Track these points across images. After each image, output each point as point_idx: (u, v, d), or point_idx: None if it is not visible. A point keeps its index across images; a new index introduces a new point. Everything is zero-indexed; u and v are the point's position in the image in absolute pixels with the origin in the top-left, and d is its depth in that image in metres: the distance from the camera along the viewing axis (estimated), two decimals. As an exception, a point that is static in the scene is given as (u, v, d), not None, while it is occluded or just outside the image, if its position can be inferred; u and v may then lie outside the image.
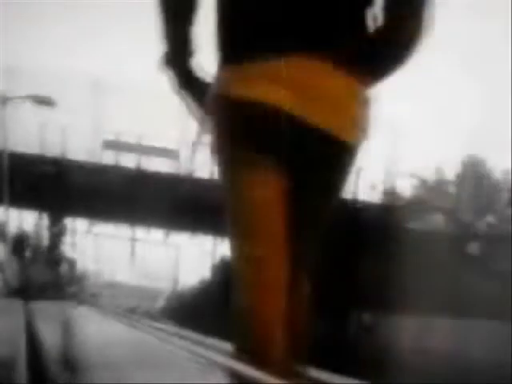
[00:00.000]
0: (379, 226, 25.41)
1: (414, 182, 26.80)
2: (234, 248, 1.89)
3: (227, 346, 3.49)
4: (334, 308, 25.33)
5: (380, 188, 27.68)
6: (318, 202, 1.92)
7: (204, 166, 32.55)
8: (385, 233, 24.55)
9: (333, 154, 1.82)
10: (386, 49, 1.85)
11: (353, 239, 26.82)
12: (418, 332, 21.81)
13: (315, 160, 1.83)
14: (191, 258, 35.74)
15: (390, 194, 26.71)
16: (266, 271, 1.82)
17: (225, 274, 39.49)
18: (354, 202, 27.54)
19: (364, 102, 1.86)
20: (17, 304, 4.84)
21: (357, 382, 2.84)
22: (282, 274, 1.83)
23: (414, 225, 25.11)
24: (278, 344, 1.80)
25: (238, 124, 1.81)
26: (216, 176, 2.05)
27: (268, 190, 1.83)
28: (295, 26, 1.76)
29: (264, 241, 1.83)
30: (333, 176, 1.89)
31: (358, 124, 1.84)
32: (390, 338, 22.10)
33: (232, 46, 1.84)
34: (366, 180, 28.67)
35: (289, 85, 1.73)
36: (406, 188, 26.95)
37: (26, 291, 17.27)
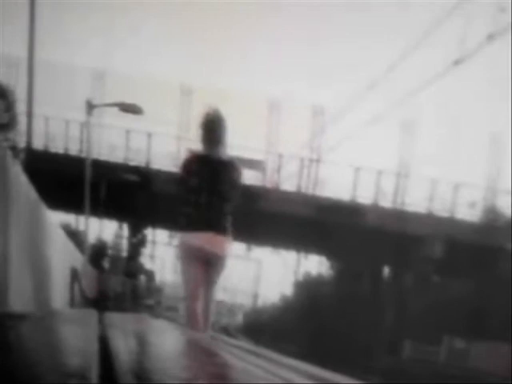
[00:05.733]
0: (476, 245, 24.78)
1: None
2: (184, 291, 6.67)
3: (304, 366, 3.49)
4: (427, 334, 24.87)
5: (480, 205, 27.04)
6: (216, 273, 6.62)
7: (290, 178, 32.43)
8: (482, 253, 23.93)
9: (218, 258, 6.50)
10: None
11: (446, 260, 26.28)
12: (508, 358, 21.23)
13: (213, 261, 6.48)
14: (273, 273, 35.71)
15: (491, 212, 26.00)
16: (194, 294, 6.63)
17: (307, 291, 39.17)
18: (451, 220, 26.98)
19: (229, 243, 6.51)
20: (92, 315, 4.98)
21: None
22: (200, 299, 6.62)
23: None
24: (200, 320, 6.53)
25: (189, 250, 6.45)
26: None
27: (199, 272, 6.51)
28: (204, 224, 6.39)
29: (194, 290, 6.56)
30: (220, 266, 6.59)
31: (226, 249, 6.51)
32: (483, 363, 21.57)
33: (182, 228, 6.46)
34: (466, 197, 27.99)
35: (205, 240, 6.36)
36: (507, 206, 26.16)
37: (102, 302, 17.65)
